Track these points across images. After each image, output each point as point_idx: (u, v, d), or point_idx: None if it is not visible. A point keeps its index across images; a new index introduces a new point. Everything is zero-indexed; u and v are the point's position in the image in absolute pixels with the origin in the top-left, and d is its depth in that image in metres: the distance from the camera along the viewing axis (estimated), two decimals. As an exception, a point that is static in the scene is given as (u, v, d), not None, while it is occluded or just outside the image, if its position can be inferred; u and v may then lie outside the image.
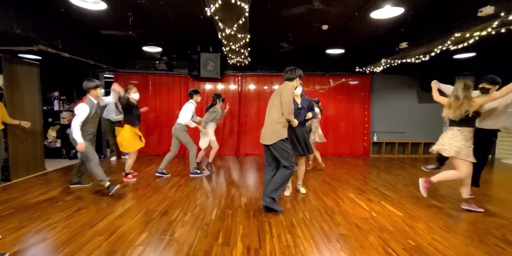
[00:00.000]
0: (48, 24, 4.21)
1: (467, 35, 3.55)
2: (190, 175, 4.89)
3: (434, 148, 3.38)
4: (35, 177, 4.68)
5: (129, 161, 4.58)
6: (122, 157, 6.32)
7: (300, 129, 3.61)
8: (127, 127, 4.36)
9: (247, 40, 4.24)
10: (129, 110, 4.39)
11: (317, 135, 5.15)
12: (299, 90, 3.66)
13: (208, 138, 5.04)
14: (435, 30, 3.99)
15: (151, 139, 6.86)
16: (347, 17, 4.23)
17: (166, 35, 5.30)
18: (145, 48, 5.36)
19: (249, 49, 4.93)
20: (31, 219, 2.93)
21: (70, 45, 4.71)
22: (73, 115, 3.64)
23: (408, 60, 5.17)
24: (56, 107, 6.42)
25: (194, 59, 6.38)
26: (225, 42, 4.37)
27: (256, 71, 7.11)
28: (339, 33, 4.91)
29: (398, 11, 3.64)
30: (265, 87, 7.22)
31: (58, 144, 6.42)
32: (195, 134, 6.80)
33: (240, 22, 3.40)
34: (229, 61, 5.78)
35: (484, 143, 3.46)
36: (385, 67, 5.88)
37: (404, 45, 4.62)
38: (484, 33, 3.40)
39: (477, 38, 3.60)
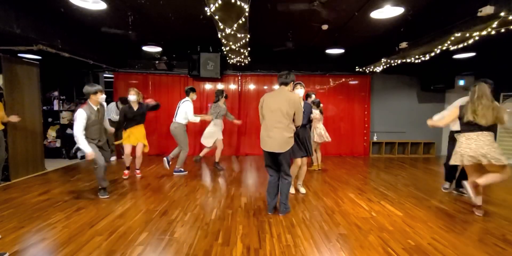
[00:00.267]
0: (48, 24, 4.21)
1: (467, 35, 3.55)
2: (174, 173, 4.98)
3: (484, 160, 2.93)
4: (35, 177, 4.68)
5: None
6: (122, 156, 6.31)
7: (302, 131, 3.61)
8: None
9: (247, 40, 4.23)
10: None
11: (316, 135, 5.14)
12: (301, 92, 3.69)
13: (215, 137, 5.07)
14: (435, 30, 3.99)
15: (151, 139, 6.85)
16: (347, 17, 4.23)
17: (166, 35, 5.29)
18: (145, 48, 5.35)
19: (249, 49, 4.93)
20: (31, 219, 2.93)
21: (70, 44, 4.71)
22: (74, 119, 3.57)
23: (408, 60, 5.18)
24: (56, 107, 6.42)
25: (194, 59, 6.38)
26: (225, 42, 4.37)
27: (256, 71, 7.11)
28: (339, 33, 4.91)
29: (398, 11, 3.64)
30: (265, 87, 7.22)
31: (58, 144, 6.41)
32: (194, 133, 6.85)
33: (240, 22, 3.39)
34: (229, 61, 5.78)
35: None
36: (385, 67, 5.88)
37: (404, 45, 4.62)
38: (484, 33, 3.40)
39: (477, 38, 3.60)
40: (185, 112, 4.74)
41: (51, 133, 6.44)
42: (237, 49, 4.66)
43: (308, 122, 3.79)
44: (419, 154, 7.47)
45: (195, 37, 5.57)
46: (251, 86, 7.22)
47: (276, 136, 2.99)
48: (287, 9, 3.93)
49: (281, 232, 2.69)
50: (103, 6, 3.60)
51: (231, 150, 7.21)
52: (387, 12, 3.70)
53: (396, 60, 5.33)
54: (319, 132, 5.18)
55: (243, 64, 6.02)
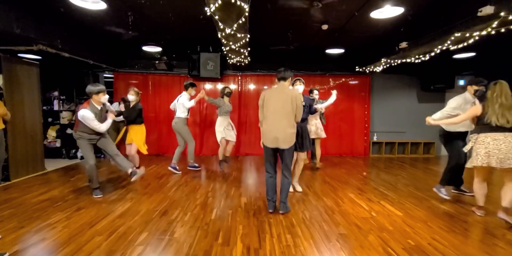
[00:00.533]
0: (48, 23, 4.21)
1: (467, 35, 3.55)
2: (189, 168, 5.08)
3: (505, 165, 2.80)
4: (35, 177, 4.68)
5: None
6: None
7: (301, 126, 3.63)
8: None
9: (247, 40, 4.23)
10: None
11: (312, 131, 5.08)
12: (301, 88, 3.82)
13: (219, 135, 5.07)
14: (435, 30, 3.98)
15: (151, 138, 6.85)
16: (347, 17, 4.23)
17: (166, 35, 5.29)
18: (145, 48, 5.35)
19: (249, 49, 4.93)
20: (31, 219, 2.93)
21: (70, 44, 4.71)
22: (75, 117, 3.59)
23: (408, 60, 5.17)
24: (56, 107, 6.42)
25: (194, 59, 6.38)
26: (225, 42, 4.37)
27: (256, 71, 7.10)
28: (339, 33, 4.91)
29: (398, 11, 3.64)
30: (265, 87, 7.21)
31: (58, 144, 6.42)
32: (193, 131, 6.84)
33: (240, 22, 3.39)
34: (229, 61, 5.77)
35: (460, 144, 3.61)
36: (385, 67, 5.88)
37: (404, 45, 4.61)
38: (484, 33, 3.40)
39: (477, 38, 3.60)
40: (182, 105, 4.77)
41: (51, 133, 6.44)
42: (237, 49, 4.66)
43: (307, 115, 3.83)
44: (419, 154, 7.47)
45: (195, 37, 5.56)
46: (251, 86, 7.22)
47: (280, 132, 3.05)
48: (287, 9, 3.93)
49: (281, 232, 2.69)
50: (103, 6, 3.60)
51: (231, 149, 7.19)
52: (387, 12, 3.70)
53: (396, 60, 5.33)
54: (311, 129, 5.06)
55: (243, 64, 6.02)
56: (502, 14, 2.92)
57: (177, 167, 5.04)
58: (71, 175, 4.83)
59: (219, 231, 2.70)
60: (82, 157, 6.27)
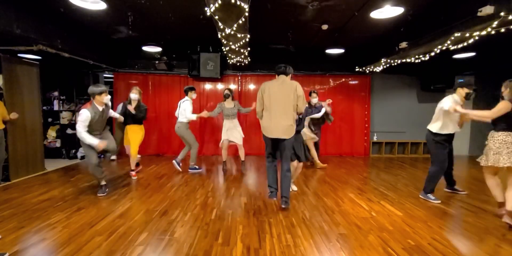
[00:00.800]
0: (48, 24, 4.21)
1: (467, 35, 3.55)
2: (189, 170, 5.06)
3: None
4: (35, 177, 4.68)
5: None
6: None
7: (295, 137, 3.51)
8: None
9: (247, 40, 4.23)
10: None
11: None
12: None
13: (222, 136, 5.15)
14: (435, 30, 3.99)
15: (151, 138, 6.86)
16: (347, 17, 4.23)
17: (166, 35, 5.30)
18: (145, 48, 5.35)
19: (249, 49, 4.93)
20: (31, 219, 2.93)
21: (70, 45, 4.71)
22: (76, 117, 3.62)
23: (408, 60, 5.17)
24: (56, 107, 6.42)
25: (194, 59, 6.38)
26: (225, 42, 4.37)
27: (256, 71, 7.10)
28: (339, 33, 4.91)
29: (398, 11, 3.64)
30: (265, 87, 7.21)
31: (58, 144, 6.41)
32: (193, 131, 6.83)
33: (240, 22, 3.39)
34: (229, 61, 5.78)
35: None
36: (385, 67, 5.88)
37: (404, 45, 4.61)
38: (484, 33, 3.40)
39: (477, 38, 3.60)
40: (184, 110, 4.81)
41: (51, 133, 6.44)
42: (237, 49, 4.66)
43: (305, 116, 3.84)
44: (419, 154, 7.46)
45: (195, 37, 5.57)
46: (251, 86, 7.22)
47: (281, 123, 3.12)
48: (287, 9, 3.93)
49: (281, 232, 2.69)
50: (103, 6, 3.60)
51: (231, 150, 7.19)
52: (387, 12, 3.71)
53: (396, 60, 5.33)
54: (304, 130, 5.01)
55: (243, 64, 6.02)
56: (502, 14, 2.92)
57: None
58: (71, 175, 4.83)
59: (219, 231, 2.70)
60: (82, 157, 6.27)
